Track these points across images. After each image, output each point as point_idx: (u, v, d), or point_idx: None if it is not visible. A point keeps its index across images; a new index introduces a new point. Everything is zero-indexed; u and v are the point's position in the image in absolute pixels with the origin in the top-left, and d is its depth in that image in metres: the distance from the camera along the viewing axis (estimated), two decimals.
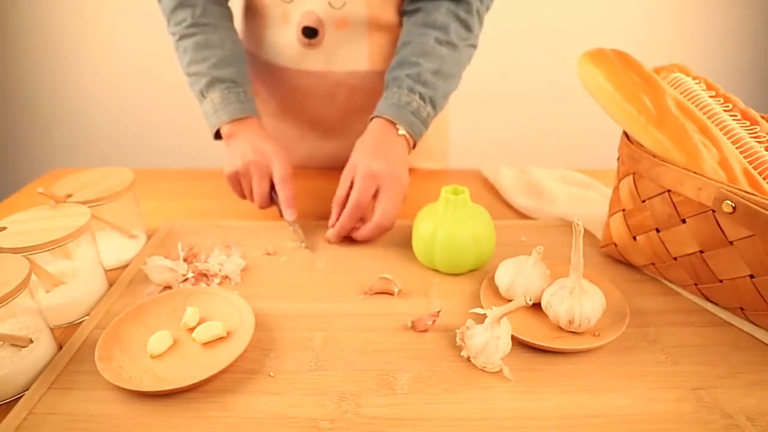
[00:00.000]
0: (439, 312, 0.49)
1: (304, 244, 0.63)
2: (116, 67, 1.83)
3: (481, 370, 0.44)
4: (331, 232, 0.63)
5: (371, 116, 0.68)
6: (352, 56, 0.77)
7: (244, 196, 0.69)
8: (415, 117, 0.67)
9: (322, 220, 0.69)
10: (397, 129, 0.66)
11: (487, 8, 0.75)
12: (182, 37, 0.72)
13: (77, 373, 0.44)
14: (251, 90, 0.73)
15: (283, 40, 0.77)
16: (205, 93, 0.70)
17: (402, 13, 0.76)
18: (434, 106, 0.69)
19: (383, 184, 0.61)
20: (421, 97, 0.67)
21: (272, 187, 0.66)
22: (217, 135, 0.71)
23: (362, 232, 0.62)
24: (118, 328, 0.47)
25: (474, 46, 0.75)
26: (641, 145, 0.51)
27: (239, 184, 0.67)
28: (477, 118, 1.78)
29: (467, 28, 0.72)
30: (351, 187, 0.62)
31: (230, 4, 0.77)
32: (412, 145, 0.68)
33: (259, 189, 0.65)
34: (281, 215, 0.66)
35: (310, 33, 0.74)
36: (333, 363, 0.45)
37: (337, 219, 0.63)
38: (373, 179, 0.61)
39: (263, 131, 0.70)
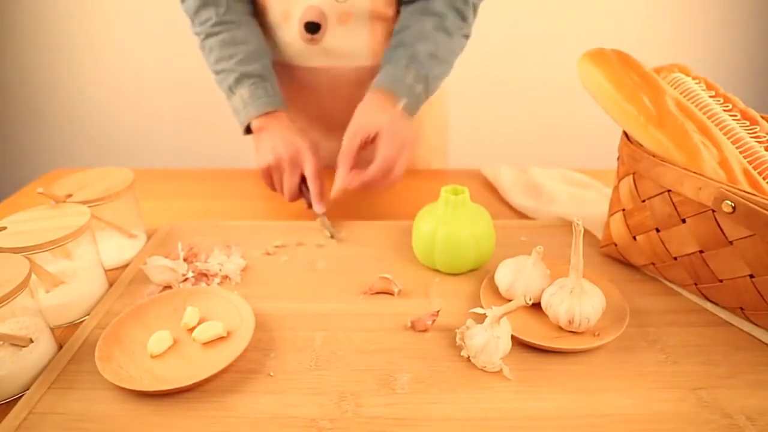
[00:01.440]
0: (438, 311, 0.49)
1: (331, 236, 0.65)
2: (116, 67, 1.83)
3: (481, 370, 0.44)
4: (345, 182, 0.63)
5: (368, 90, 0.69)
6: (353, 51, 0.78)
7: (274, 189, 0.70)
8: (409, 92, 0.68)
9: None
10: (396, 102, 0.66)
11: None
12: (208, 36, 0.73)
13: (77, 373, 0.44)
14: (277, 83, 0.75)
15: (285, 38, 0.78)
16: (234, 89, 0.71)
17: (399, 4, 0.77)
18: (426, 86, 0.70)
19: (406, 144, 0.63)
20: (416, 75, 0.68)
21: (301, 180, 0.68)
22: (248, 130, 0.73)
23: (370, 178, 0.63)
24: (118, 328, 0.47)
25: (467, 37, 0.76)
26: (641, 145, 0.51)
27: (270, 177, 0.69)
28: (477, 118, 1.78)
29: (462, 17, 0.73)
30: (361, 146, 0.63)
31: None
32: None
33: (290, 182, 0.67)
34: (308, 207, 0.68)
35: (312, 28, 0.74)
36: (333, 363, 0.45)
37: (347, 173, 0.63)
38: (398, 135, 0.62)
39: (292, 125, 0.71)
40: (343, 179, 0.63)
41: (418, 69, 0.69)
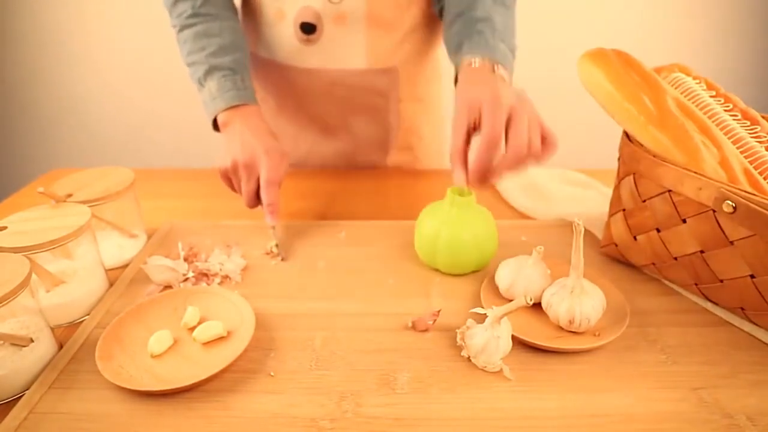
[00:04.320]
0: (439, 311, 0.49)
1: (277, 251, 0.61)
2: (116, 67, 1.83)
3: (482, 369, 0.44)
4: (460, 177, 0.53)
5: (456, 66, 0.63)
6: (349, 54, 0.77)
7: (236, 191, 0.67)
8: (505, 60, 0.61)
9: (320, 220, 0.69)
10: (494, 69, 0.58)
11: None
12: (183, 28, 0.72)
13: (77, 373, 0.44)
14: (250, 79, 0.72)
15: (280, 37, 0.77)
16: (203, 82, 0.69)
17: (436, 2, 0.76)
18: (514, 58, 0.65)
19: (514, 109, 0.52)
20: (504, 44, 0.64)
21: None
22: (217, 126, 0.70)
23: (500, 164, 0.52)
24: (119, 328, 0.47)
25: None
26: (641, 145, 0.51)
27: (230, 180, 0.66)
28: None
29: None
30: (468, 133, 0.54)
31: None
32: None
33: (247, 189, 0.63)
34: None
35: (308, 29, 0.74)
36: (333, 363, 0.45)
37: (463, 173, 0.53)
38: (502, 106, 0.51)
39: (258, 121, 0.67)
40: (461, 181, 0.53)
41: (504, 38, 0.64)
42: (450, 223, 0.55)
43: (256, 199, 0.64)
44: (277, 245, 0.62)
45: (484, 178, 0.52)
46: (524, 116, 0.52)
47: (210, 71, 0.69)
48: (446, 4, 0.72)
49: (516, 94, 0.54)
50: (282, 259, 0.60)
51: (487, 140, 0.51)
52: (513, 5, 0.71)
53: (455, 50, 0.66)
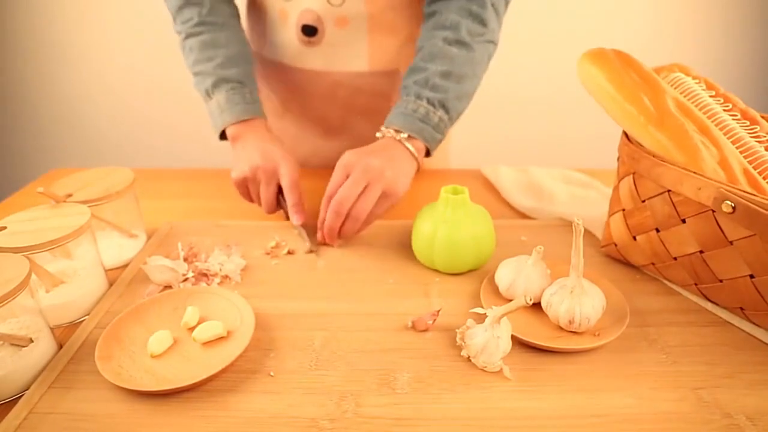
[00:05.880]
0: (439, 311, 0.49)
1: (309, 246, 0.62)
2: (117, 68, 1.83)
3: (482, 369, 0.44)
4: (320, 234, 0.62)
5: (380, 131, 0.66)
6: (351, 56, 0.77)
7: (251, 200, 0.68)
8: (424, 123, 0.64)
9: None
10: (402, 141, 0.63)
11: (506, 1, 0.71)
12: (188, 36, 0.72)
13: (77, 373, 0.44)
14: (257, 91, 0.73)
15: (284, 38, 0.78)
16: (211, 93, 0.70)
17: (415, 11, 0.75)
18: (447, 110, 0.66)
19: (372, 180, 0.59)
20: (430, 101, 0.65)
21: (279, 190, 0.66)
22: (223, 136, 0.71)
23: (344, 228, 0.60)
24: (119, 328, 0.47)
25: (491, 42, 0.70)
26: (641, 145, 0.51)
27: (247, 188, 0.67)
28: (477, 118, 1.77)
29: (481, 23, 0.67)
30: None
31: (236, 1, 0.77)
32: (423, 153, 0.66)
33: (267, 194, 0.65)
34: (287, 218, 0.66)
35: (309, 31, 0.74)
36: (333, 363, 0.45)
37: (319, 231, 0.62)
38: (366, 174, 0.58)
39: (269, 134, 0.69)
40: (327, 230, 0.60)
41: (432, 95, 0.65)
42: (446, 223, 0.55)
43: (276, 204, 0.66)
44: (310, 248, 0.62)
45: (332, 237, 0.61)
46: (378, 189, 0.59)
47: (218, 83, 0.69)
48: (419, 36, 0.71)
49: (394, 167, 0.60)
50: (312, 251, 0.62)
51: (333, 210, 0.59)
52: (477, 40, 0.67)
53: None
